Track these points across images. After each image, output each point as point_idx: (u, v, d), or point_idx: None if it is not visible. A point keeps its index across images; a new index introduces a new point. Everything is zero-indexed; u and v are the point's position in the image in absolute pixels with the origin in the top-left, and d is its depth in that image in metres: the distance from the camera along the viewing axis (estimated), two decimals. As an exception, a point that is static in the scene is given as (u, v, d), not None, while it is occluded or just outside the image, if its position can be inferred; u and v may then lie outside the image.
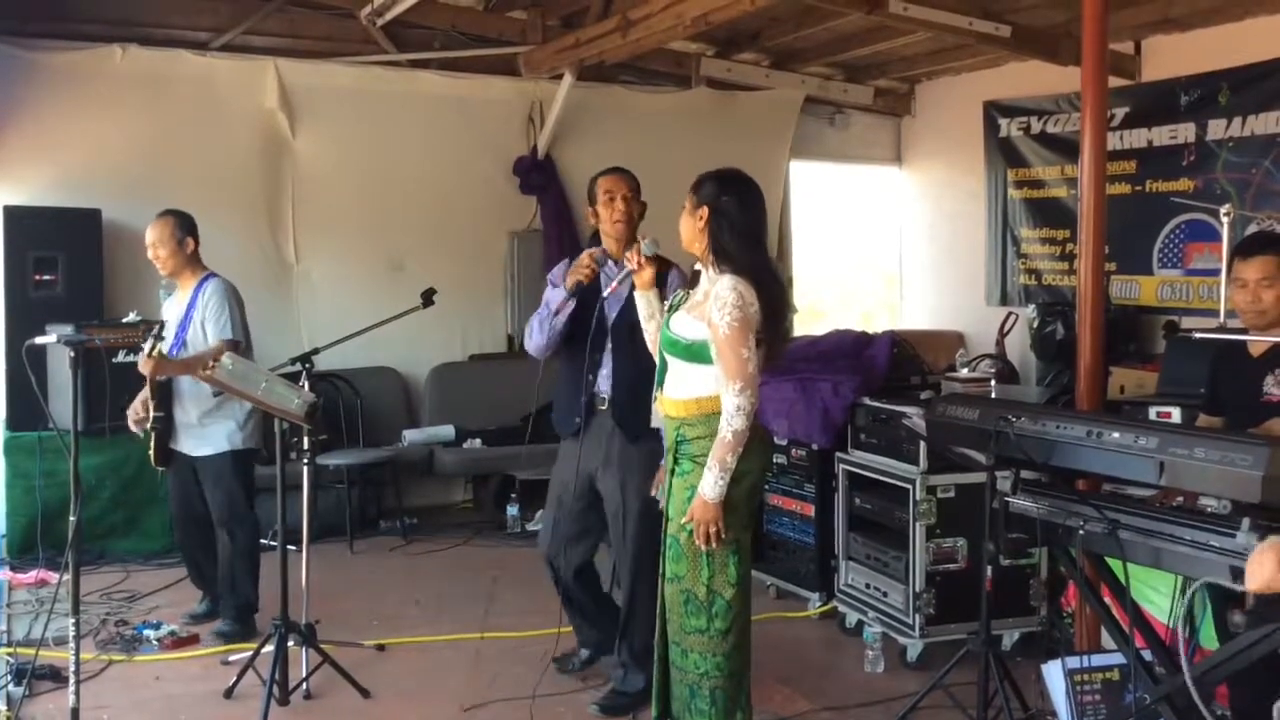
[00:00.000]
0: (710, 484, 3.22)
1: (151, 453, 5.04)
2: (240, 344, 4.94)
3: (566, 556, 4.25)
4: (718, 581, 3.30)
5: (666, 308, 3.51)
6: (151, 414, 4.93)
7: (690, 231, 3.40)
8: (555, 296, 4.03)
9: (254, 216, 7.24)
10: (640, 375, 3.83)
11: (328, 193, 7.47)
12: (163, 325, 4.90)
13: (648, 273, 3.61)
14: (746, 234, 3.33)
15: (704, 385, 3.31)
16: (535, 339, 4.12)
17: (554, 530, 4.28)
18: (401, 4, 6.86)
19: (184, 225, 5.02)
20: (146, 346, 4.60)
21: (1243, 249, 3.56)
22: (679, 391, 3.39)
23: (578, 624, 4.46)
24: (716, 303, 3.24)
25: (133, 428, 5.01)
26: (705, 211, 3.34)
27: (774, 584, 5.56)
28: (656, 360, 3.54)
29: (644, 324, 3.70)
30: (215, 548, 5.10)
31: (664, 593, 3.45)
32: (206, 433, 4.95)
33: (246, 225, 7.15)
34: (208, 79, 7.08)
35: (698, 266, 3.45)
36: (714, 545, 3.26)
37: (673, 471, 3.42)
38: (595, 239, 4.22)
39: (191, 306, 4.99)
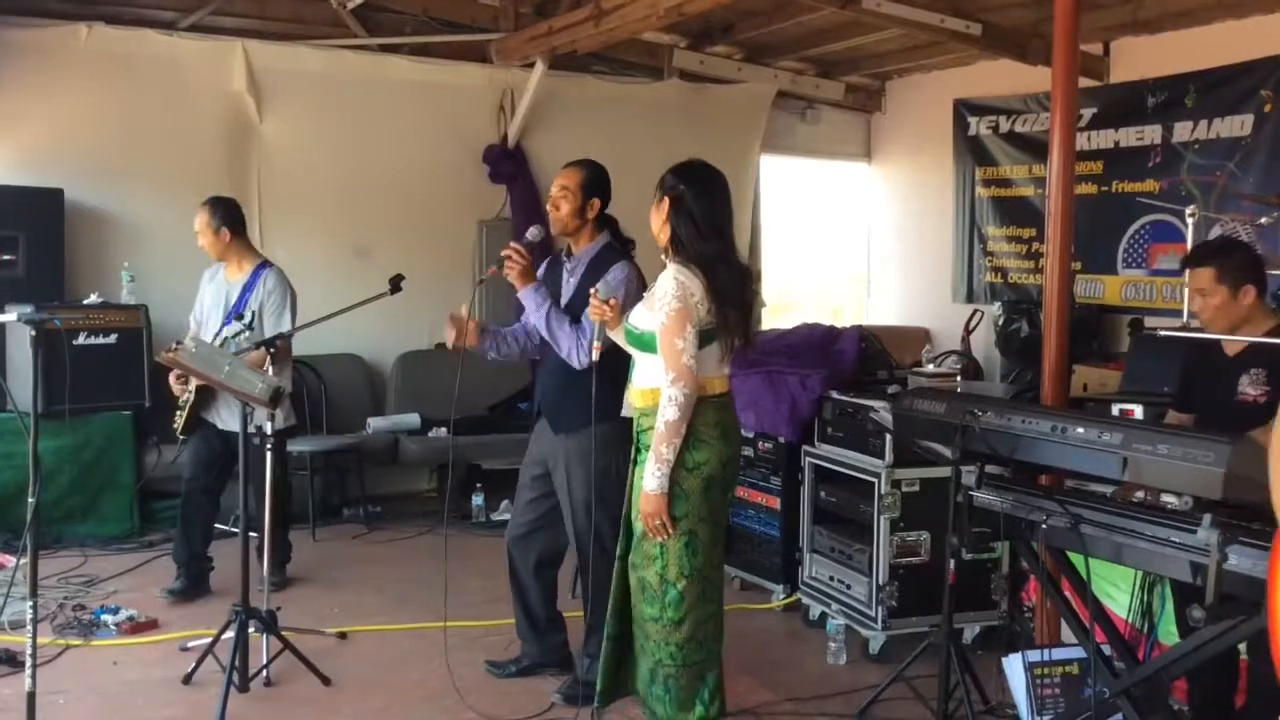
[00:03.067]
0: (649, 475, 3.24)
1: (182, 421, 5.14)
2: (291, 338, 4.97)
3: (523, 546, 4.25)
4: (670, 571, 3.30)
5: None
6: (191, 387, 5.02)
7: (657, 223, 3.41)
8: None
9: (219, 199, 7.17)
10: (566, 367, 3.89)
11: (294, 177, 7.40)
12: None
13: (613, 315, 3.51)
14: (704, 223, 3.32)
15: (655, 377, 3.32)
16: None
17: (514, 518, 4.31)
18: (372, -13, 6.82)
19: (219, 215, 5.22)
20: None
21: (1186, 259, 3.66)
22: (639, 382, 3.42)
23: (522, 628, 4.38)
24: (657, 292, 3.28)
25: (180, 395, 5.16)
26: (666, 202, 3.36)
27: (738, 576, 5.57)
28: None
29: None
30: (213, 524, 5.37)
31: (618, 573, 3.47)
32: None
33: (211, 208, 7.07)
34: (174, 59, 6.99)
35: (664, 258, 3.45)
36: (663, 537, 3.27)
37: (634, 460, 3.44)
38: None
39: (248, 290, 5.16)
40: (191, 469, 5.31)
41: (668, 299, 3.23)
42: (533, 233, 4.09)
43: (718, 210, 3.39)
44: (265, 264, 5.28)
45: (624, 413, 3.64)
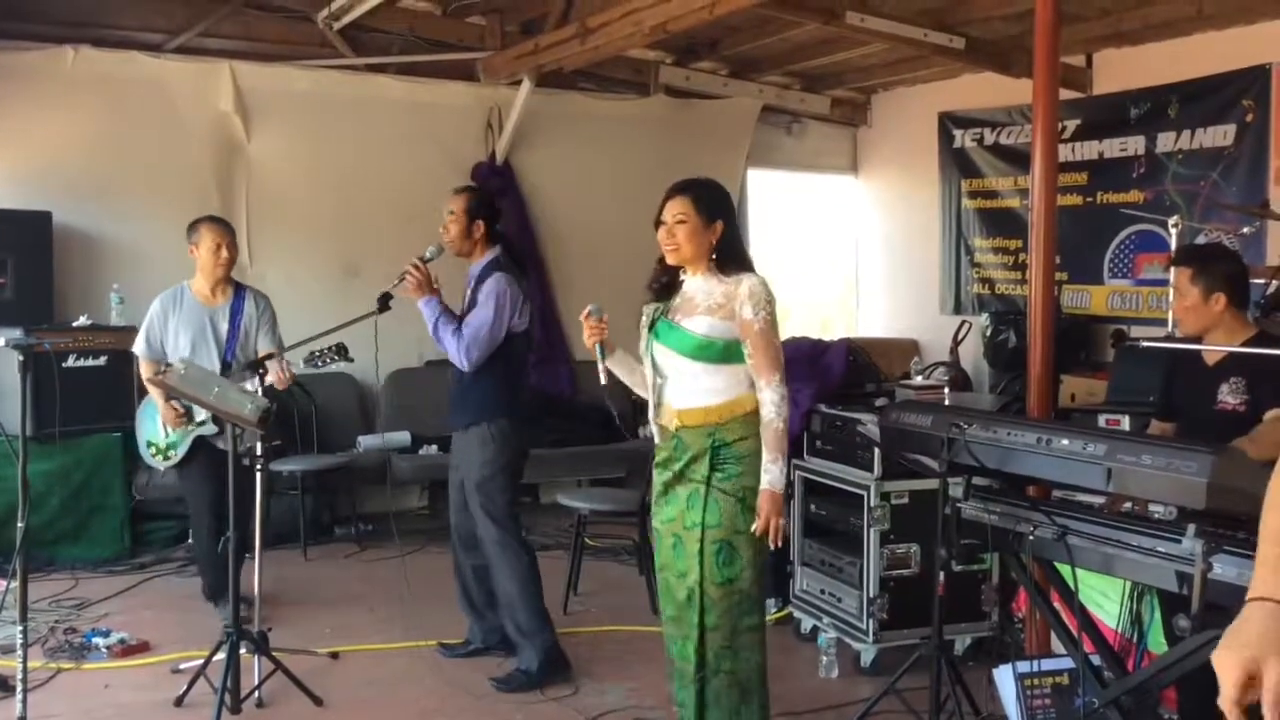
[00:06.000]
0: (778, 475, 3.27)
1: (183, 452, 5.02)
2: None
3: (456, 530, 4.64)
4: (760, 577, 3.39)
5: (647, 324, 3.41)
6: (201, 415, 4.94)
7: (703, 245, 3.33)
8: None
9: (208, 220, 7.17)
10: (460, 372, 4.38)
11: (283, 197, 7.42)
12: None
13: (601, 331, 3.44)
14: (740, 238, 3.53)
15: (732, 387, 3.31)
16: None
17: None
18: (359, 7, 6.84)
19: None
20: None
21: (1172, 258, 3.73)
22: (706, 399, 3.32)
23: (464, 607, 4.75)
24: (751, 300, 3.27)
25: (177, 427, 5.01)
26: (720, 226, 3.34)
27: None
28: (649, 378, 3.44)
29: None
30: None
31: (708, 601, 3.32)
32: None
33: (200, 229, 7.07)
34: (162, 81, 7.01)
35: (684, 276, 3.40)
36: (777, 539, 3.27)
37: (707, 480, 3.31)
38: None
39: (238, 315, 5.04)
40: (204, 501, 5.05)
41: (763, 304, 3.27)
42: (430, 251, 4.47)
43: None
44: (246, 286, 5.19)
45: (655, 435, 3.50)
